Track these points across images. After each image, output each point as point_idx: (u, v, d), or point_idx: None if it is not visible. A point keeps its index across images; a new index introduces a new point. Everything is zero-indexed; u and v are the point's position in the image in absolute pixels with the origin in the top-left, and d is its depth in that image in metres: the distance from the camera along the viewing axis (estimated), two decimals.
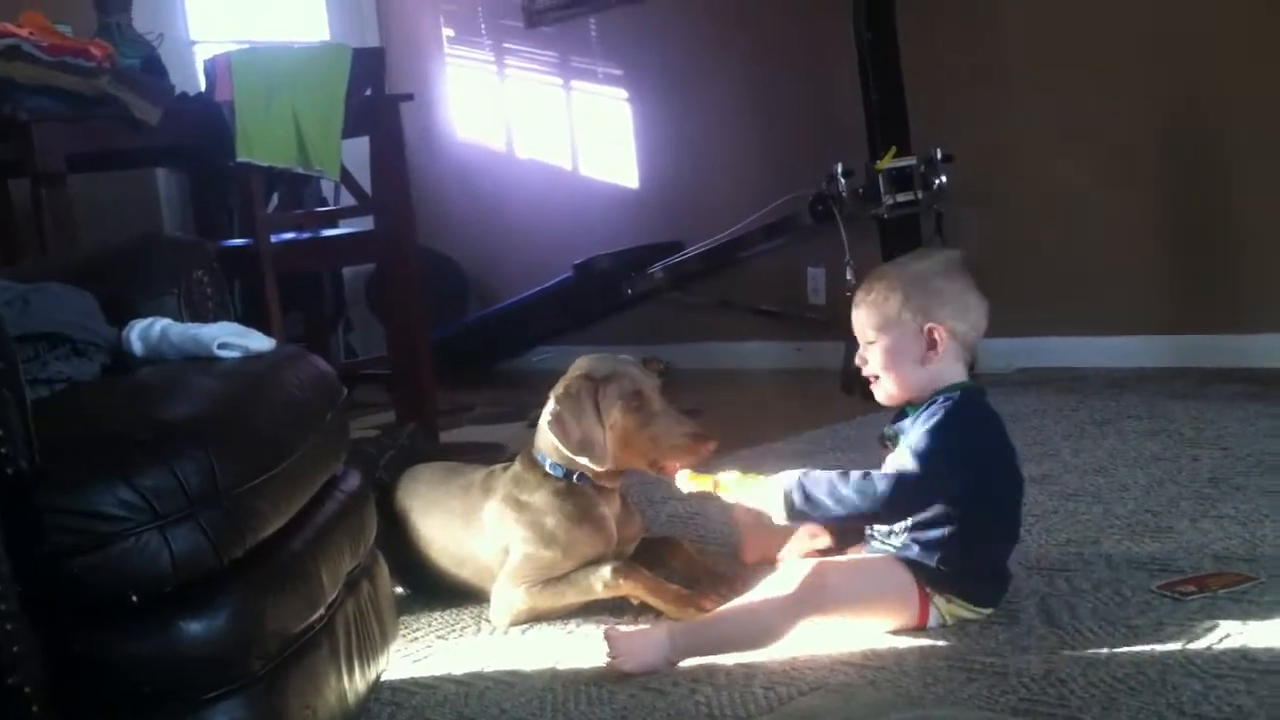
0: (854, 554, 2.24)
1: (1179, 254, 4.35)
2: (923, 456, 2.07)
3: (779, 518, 2.17)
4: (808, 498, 2.11)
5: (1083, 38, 4.41)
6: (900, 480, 2.07)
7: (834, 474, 2.12)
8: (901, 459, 2.10)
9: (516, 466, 2.49)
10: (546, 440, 2.43)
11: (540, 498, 2.42)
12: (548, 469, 2.43)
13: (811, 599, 2.07)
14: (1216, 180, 4.23)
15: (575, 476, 2.42)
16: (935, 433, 2.09)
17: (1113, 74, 4.34)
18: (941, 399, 2.13)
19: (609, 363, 2.45)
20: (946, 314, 2.15)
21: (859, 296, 2.23)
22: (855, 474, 2.10)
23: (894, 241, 4.25)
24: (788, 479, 2.14)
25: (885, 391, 2.22)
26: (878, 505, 2.08)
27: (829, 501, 2.10)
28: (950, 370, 2.17)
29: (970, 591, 2.14)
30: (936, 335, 2.14)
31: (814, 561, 2.13)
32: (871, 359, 2.21)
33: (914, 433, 2.11)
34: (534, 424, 2.49)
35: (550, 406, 2.41)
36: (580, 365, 2.46)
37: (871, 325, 2.20)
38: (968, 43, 4.63)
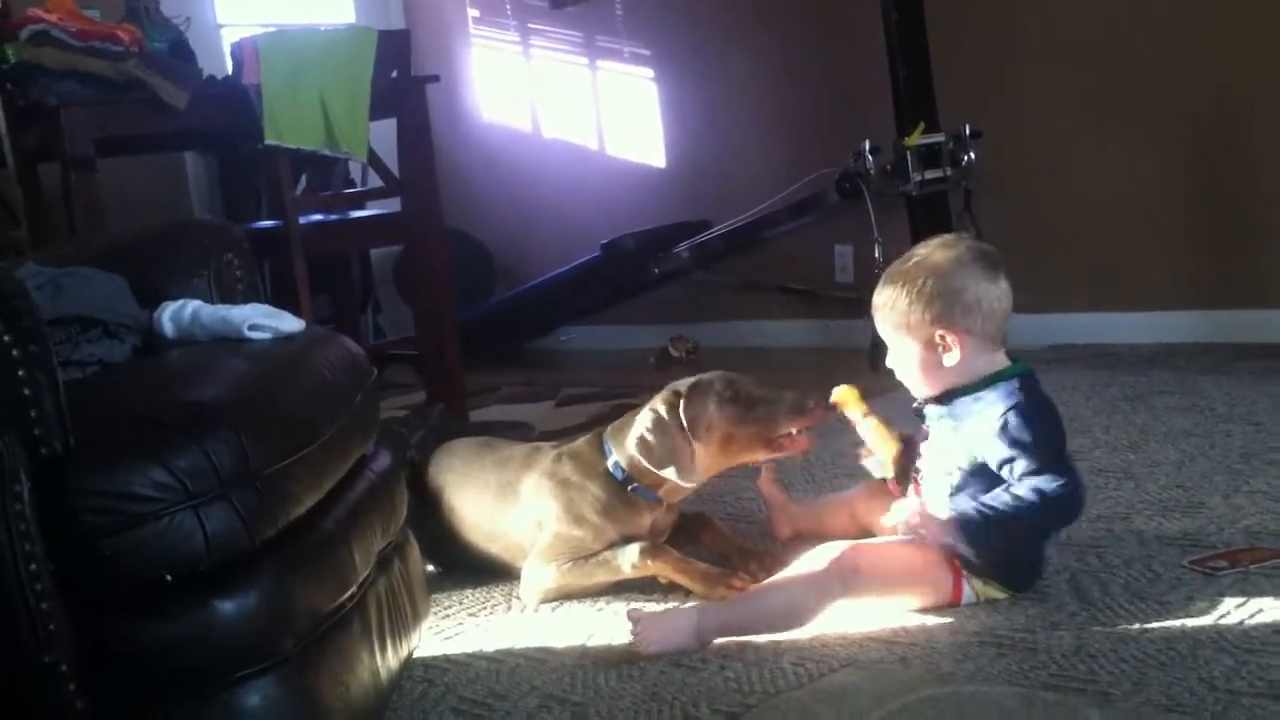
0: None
1: (1206, 228, 4.31)
2: (1035, 451, 2.03)
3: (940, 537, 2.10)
4: (970, 537, 2.07)
5: (1108, 12, 4.37)
6: (1039, 488, 2.02)
7: (981, 505, 2.06)
8: (1019, 468, 2.04)
9: (580, 444, 2.47)
10: (621, 440, 2.39)
11: (589, 485, 2.39)
12: (609, 465, 2.40)
13: (843, 582, 2.06)
14: (1243, 154, 4.20)
15: (631, 487, 2.38)
16: (1029, 424, 2.04)
17: (1139, 49, 4.31)
18: (1004, 389, 2.08)
19: (697, 378, 2.40)
20: (956, 313, 2.09)
21: (873, 301, 2.20)
22: (1000, 501, 2.05)
23: (923, 218, 4.24)
24: (950, 518, 2.08)
25: (919, 392, 2.19)
26: (1038, 516, 2.05)
27: (988, 538, 2.07)
28: (980, 361, 2.13)
29: (1007, 577, 2.13)
30: (949, 339, 2.11)
31: (846, 544, 2.12)
32: (896, 364, 2.19)
33: (987, 428, 2.06)
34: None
35: (639, 427, 2.34)
36: (671, 385, 2.40)
37: (885, 332, 2.18)
38: (994, 20, 4.59)
